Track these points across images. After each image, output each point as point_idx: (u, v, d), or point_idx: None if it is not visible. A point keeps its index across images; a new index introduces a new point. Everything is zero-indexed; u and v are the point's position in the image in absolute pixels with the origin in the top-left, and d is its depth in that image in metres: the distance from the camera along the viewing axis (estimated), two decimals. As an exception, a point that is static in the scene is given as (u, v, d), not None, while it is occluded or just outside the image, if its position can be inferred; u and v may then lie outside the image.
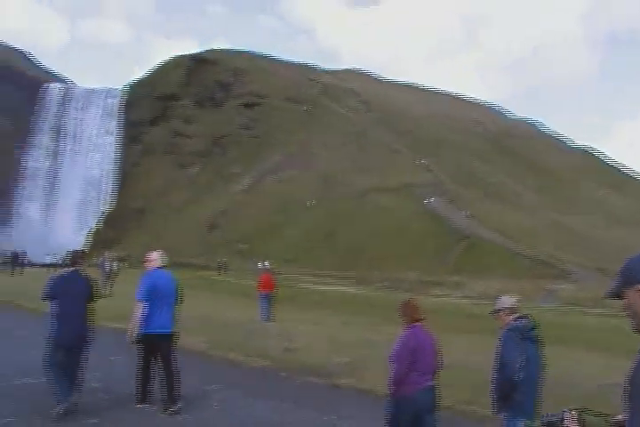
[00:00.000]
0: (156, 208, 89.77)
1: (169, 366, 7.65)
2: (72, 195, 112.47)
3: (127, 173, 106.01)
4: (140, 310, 7.50)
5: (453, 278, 44.73)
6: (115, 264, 25.26)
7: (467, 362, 9.80)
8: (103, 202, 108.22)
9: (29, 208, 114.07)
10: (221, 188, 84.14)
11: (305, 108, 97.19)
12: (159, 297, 7.63)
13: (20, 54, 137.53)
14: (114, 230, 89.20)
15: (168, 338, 7.75)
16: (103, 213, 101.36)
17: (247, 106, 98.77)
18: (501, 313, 5.30)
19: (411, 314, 5.64)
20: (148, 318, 7.53)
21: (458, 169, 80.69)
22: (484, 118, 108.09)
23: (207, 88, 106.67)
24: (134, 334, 7.50)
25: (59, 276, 7.69)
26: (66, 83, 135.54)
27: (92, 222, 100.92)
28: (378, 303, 24.81)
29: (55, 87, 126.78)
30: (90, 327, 7.55)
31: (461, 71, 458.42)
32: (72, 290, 7.46)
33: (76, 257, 7.91)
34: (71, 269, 7.73)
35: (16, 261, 37.69)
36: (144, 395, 7.68)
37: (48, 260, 43.89)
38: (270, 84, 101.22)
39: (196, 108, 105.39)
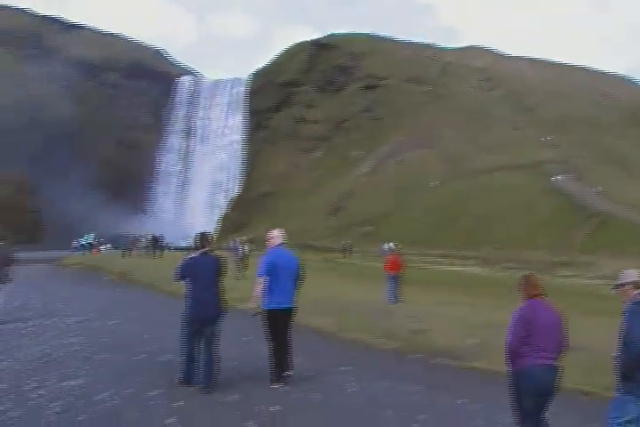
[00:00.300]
0: (281, 192, 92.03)
1: (285, 337, 8.08)
2: (203, 188, 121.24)
3: (253, 159, 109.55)
4: (259, 285, 7.85)
5: (583, 258, 42.91)
6: (246, 247, 26.13)
7: (595, 344, 9.40)
8: (232, 190, 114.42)
9: (164, 204, 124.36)
10: (344, 171, 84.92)
11: (426, 87, 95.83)
12: (280, 274, 7.92)
13: (154, 52, 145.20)
14: (242, 215, 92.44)
15: (288, 313, 8.10)
16: (232, 198, 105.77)
17: (368, 88, 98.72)
18: (626, 287, 5.06)
19: (528, 289, 5.59)
20: (269, 294, 7.88)
21: (587, 144, 76.93)
22: (615, 90, 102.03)
23: (328, 73, 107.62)
24: (256, 308, 7.92)
25: (190, 257, 8.04)
26: (195, 76, 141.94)
27: (222, 209, 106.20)
28: (505, 284, 24.24)
29: (185, 80, 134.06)
30: (222, 304, 7.96)
31: (589, 43, 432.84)
32: (203, 270, 7.87)
33: (204, 239, 8.22)
34: (201, 250, 8.09)
35: (155, 244, 40.06)
36: (278, 375, 7.97)
37: (183, 243, 46.21)
38: (390, 65, 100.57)
39: (317, 93, 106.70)
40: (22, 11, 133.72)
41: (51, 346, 10.06)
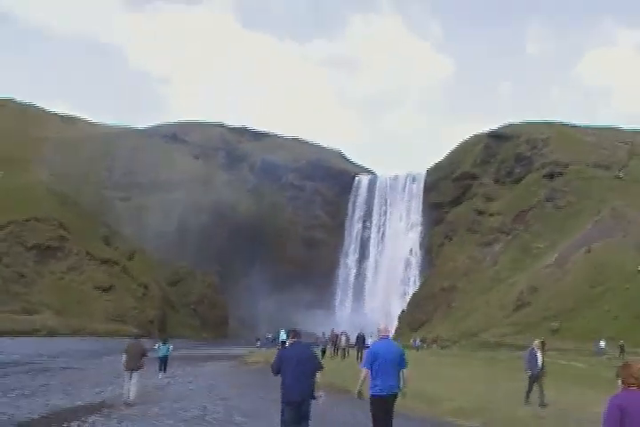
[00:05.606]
0: (462, 288, 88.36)
1: (388, 423, 8.71)
2: (381, 285, 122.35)
3: (432, 254, 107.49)
4: (361, 374, 8.83)
5: None
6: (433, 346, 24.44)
7: None
8: (410, 287, 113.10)
9: (343, 302, 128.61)
10: (527, 264, 79.85)
11: (618, 172, 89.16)
12: (380, 363, 8.66)
13: (332, 153, 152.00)
14: (420, 313, 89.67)
15: (391, 398, 8.71)
16: (411, 295, 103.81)
17: (549, 177, 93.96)
18: None
19: (624, 377, 5.18)
20: (372, 382, 8.65)
21: None
22: None
23: (506, 163, 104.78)
24: (357, 393, 8.91)
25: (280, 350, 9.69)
26: (372, 174, 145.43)
27: (399, 306, 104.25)
28: None
29: (363, 179, 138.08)
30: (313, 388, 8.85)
31: None
32: (298, 359, 8.86)
33: (296, 333, 9.50)
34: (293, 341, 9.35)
35: (362, 343, 37.23)
36: None
37: (369, 342, 43.57)
38: (573, 151, 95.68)
39: (495, 185, 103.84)
40: (215, 125, 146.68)
41: None
